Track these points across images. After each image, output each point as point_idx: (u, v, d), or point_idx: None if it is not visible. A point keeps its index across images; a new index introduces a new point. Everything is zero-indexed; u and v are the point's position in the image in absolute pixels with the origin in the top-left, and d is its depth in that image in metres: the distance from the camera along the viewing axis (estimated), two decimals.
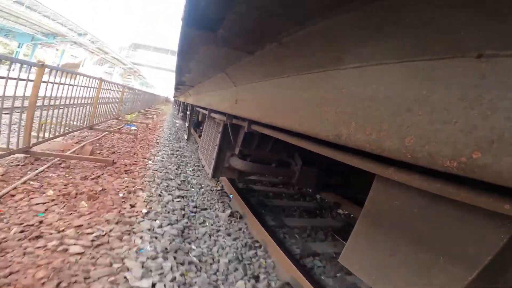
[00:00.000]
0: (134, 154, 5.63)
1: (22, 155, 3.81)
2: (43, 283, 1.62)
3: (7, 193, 2.65)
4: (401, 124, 0.82)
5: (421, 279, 1.17)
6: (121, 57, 48.74)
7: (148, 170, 4.61)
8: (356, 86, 1.03)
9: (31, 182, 3.04)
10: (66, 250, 1.97)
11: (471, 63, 0.68)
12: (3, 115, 3.33)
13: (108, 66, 51.12)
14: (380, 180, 1.41)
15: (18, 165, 3.53)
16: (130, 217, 2.70)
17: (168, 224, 2.78)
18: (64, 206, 2.65)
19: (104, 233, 2.30)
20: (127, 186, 3.59)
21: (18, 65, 3.72)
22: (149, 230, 2.55)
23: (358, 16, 0.87)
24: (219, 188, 4.79)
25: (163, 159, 5.61)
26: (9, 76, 3.15)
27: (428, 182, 1.00)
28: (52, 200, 2.71)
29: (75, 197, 2.88)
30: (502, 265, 1.05)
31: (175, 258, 2.22)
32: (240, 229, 3.30)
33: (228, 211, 3.68)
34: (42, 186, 3.01)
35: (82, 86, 5.84)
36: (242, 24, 1.34)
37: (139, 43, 69.06)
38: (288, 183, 5.49)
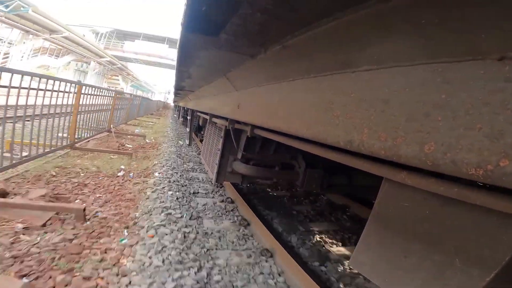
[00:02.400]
0: None
1: None
2: None
3: None
4: (419, 130, 0.78)
5: (437, 281, 1.13)
6: (95, 46, 30.22)
7: None
8: (367, 90, 0.99)
9: None
10: None
11: (493, 66, 0.65)
12: None
13: (73, 59, 31.47)
14: (388, 182, 1.38)
15: None
16: None
17: None
18: None
19: None
20: None
21: None
22: None
23: (369, 16, 0.83)
24: None
25: None
26: None
27: (444, 186, 0.96)
28: None
29: None
30: None
31: None
32: None
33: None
34: None
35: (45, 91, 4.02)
36: (246, 27, 1.30)
37: (125, 31, 47.15)
38: (293, 186, 5.45)
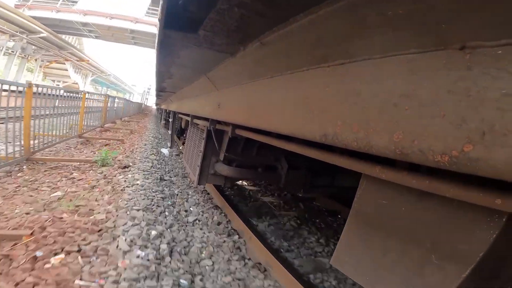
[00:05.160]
0: None
1: None
2: None
3: None
4: (388, 120, 0.80)
5: (416, 279, 1.14)
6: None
7: None
8: (340, 84, 1.01)
9: None
10: None
11: (454, 55, 0.67)
12: None
13: None
14: (366, 179, 1.40)
15: None
16: None
17: None
18: None
19: None
20: None
21: None
22: None
23: (343, 9, 0.84)
24: None
25: None
26: None
27: (416, 179, 0.98)
28: None
29: None
30: (494, 261, 1.04)
31: None
32: None
33: None
34: None
35: None
36: (224, 23, 1.30)
37: None
38: (276, 187, 5.46)
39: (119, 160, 5.59)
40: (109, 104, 11.67)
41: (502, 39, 0.59)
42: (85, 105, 7.95)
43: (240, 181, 5.47)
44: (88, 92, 8.48)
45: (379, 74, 0.86)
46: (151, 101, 52.71)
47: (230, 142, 3.40)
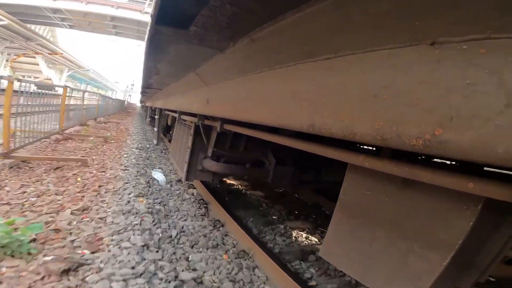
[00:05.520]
0: None
1: None
2: None
3: None
4: (370, 109, 0.88)
5: (401, 267, 1.21)
6: None
7: None
8: (326, 77, 1.09)
9: None
10: None
11: (426, 50, 0.76)
12: None
13: None
14: (351, 170, 1.48)
15: None
16: None
17: None
18: None
19: None
20: None
21: None
22: None
23: (330, 7, 0.92)
24: None
25: None
26: None
27: (397, 166, 1.06)
28: None
29: None
30: (473, 248, 1.13)
31: None
32: None
33: None
34: None
35: None
36: (216, 20, 1.35)
37: None
38: (263, 183, 5.53)
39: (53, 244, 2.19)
40: (73, 101, 9.23)
41: (467, 35, 0.68)
42: (22, 102, 4.74)
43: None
44: (20, 80, 4.54)
45: (361, 67, 0.94)
46: (135, 99, 48.42)
47: (218, 138, 3.44)
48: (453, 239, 1.05)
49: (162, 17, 1.51)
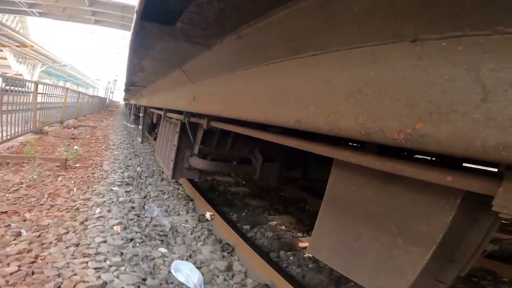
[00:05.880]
0: None
1: None
2: None
3: None
4: (354, 104, 0.90)
5: (386, 262, 1.24)
6: None
7: None
8: (313, 73, 1.11)
9: None
10: None
11: (408, 47, 0.78)
12: None
13: None
14: (337, 166, 1.51)
15: None
16: None
17: None
18: None
19: None
20: None
21: None
22: None
23: (315, 5, 0.93)
24: None
25: None
26: None
27: (380, 161, 1.09)
28: None
29: None
30: (453, 242, 1.17)
31: None
32: None
33: None
34: None
35: None
36: (203, 16, 1.34)
37: None
38: (250, 180, 5.55)
39: None
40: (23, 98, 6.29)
41: (446, 33, 0.71)
42: None
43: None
44: None
45: (346, 64, 0.96)
46: (118, 96, 44.65)
47: (204, 135, 3.42)
48: (434, 233, 1.09)
49: (147, 12, 1.49)
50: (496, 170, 1.11)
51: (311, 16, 1.02)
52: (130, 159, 6.18)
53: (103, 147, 7.04)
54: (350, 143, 2.62)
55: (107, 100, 33.68)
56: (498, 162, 0.67)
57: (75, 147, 6.47)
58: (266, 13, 1.17)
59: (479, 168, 1.51)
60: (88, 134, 8.87)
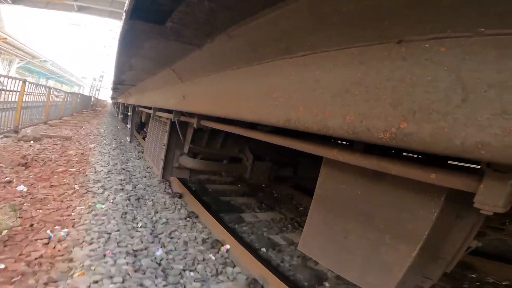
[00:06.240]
0: None
1: None
2: None
3: None
4: (342, 104, 0.92)
5: (374, 258, 1.27)
6: None
7: None
8: (302, 73, 1.13)
9: None
10: None
11: (393, 48, 0.81)
12: None
13: None
14: (326, 165, 1.53)
15: None
16: None
17: None
18: None
19: None
20: None
21: None
22: None
23: (305, 7, 0.95)
24: None
25: None
26: None
27: (367, 159, 1.12)
28: None
29: None
30: (439, 238, 1.21)
31: None
32: None
33: None
34: None
35: None
36: (193, 16, 1.34)
37: None
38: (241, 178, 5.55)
39: None
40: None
41: (430, 34, 0.73)
42: None
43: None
44: None
45: (335, 64, 0.98)
46: (105, 94, 40.61)
47: (195, 134, 3.41)
48: (420, 230, 1.12)
49: (137, 11, 1.48)
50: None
51: (301, 17, 1.04)
52: (140, 226, 2.85)
53: (77, 185, 3.70)
54: (340, 142, 2.66)
55: (92, 99, 30.75)
56: (477, 160, 0.69)
57: (20, 187, 3.23)
58: (256, 13, 1.18)
59: (464, 165, 1.56)
60: (56, 152, 5.52)
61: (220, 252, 2.56)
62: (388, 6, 0.75)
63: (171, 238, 2.70)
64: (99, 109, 26.87)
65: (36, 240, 2.18)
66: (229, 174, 5.65)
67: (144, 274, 2.01)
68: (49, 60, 34.70)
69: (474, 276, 2.88)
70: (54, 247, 2.13)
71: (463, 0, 0.63)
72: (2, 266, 1.80)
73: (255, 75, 1.50)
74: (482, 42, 0.64)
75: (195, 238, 2.77)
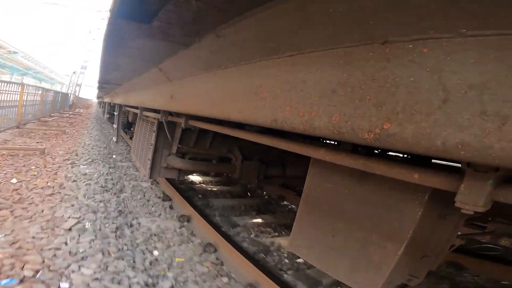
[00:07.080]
0: None
1: None
2: None
3: None
4: (328, 104, 0.93)
5: (361, 257, 1.28)
6: None
7: None
8: (289, 73, 1.13)
9: None
10: None
11: (378, 49, 0.82)
12: None
13: None
14: (314, 165, 1.55)
15: None
16: None
17: None
18: None
19: None
20: None
21: None
22: None
23: (292, 7, 0.95)
24: None
25: None
26: None
27: (353, 159, 1.13)
28: None
29: None
30: (423, 237, 1.23)
31: None
32: None
33: None
34: None
35: None
36: (181, 15, 1.32)
37: None
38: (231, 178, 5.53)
39: None
40: None
41: (413, 35, 0.74)
42: None
43: None
44: None
45: (321, 65, 0.99)
46: (89, 92, 35.11)
47: (183, 134, 3.38)
48: (405, 228, 1.14)
49: (122, 10, 1.44)
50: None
51: (289, 18, 1.04)
52: None
53: None
54: (328, 142, 2.69)
55: (71, 97, 24.27)
56: (457, 160, 0.71)
57: None
58: (244, 13, 1.17)
59: (449, 165, 1.60)
60: None
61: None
62: (373, 7, 0.76)
63: None
64: (81, 111, 20.93)
65: None
66: (217, 174, 5.63)
67: None
68: (20, 52, 27.40)
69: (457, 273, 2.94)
70: None
71: (446, 0, 0.64)
72: None
73: (242, 75, 1.50)
74: (464, 43, 0.65)
75: None
